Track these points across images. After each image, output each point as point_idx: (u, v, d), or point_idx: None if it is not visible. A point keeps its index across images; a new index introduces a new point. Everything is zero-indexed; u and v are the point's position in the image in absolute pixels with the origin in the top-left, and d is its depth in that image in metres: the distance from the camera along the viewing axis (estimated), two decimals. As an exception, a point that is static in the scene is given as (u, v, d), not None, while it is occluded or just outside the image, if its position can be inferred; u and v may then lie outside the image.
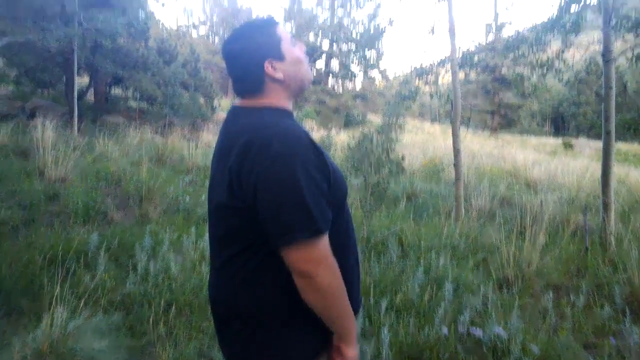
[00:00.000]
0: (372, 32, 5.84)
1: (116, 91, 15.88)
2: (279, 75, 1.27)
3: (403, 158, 5.00)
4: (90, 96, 14.57)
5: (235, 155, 1.15)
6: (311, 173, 1.12)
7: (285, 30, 1.34)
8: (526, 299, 3.86)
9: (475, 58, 6.88)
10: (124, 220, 5.46)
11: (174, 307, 3.21)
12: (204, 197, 6.44)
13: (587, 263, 4.65)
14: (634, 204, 7.26)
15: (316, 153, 1.17)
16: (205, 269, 3.73)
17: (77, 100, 10.42)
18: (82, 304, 2.94)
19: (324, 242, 1.13)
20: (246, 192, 1.14)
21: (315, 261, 1.11)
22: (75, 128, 9.87)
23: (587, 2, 5.77)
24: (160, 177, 6.56)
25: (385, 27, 5.88)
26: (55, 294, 2.81)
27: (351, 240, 1.37)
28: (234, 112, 1.32)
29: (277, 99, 1.30)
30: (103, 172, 6.70)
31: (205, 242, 4.36)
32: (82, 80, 14.76)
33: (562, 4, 5.82)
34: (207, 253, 4.20)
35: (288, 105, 1.34)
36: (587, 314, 3.59)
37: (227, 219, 1.23)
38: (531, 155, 14.11)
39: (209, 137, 12.68)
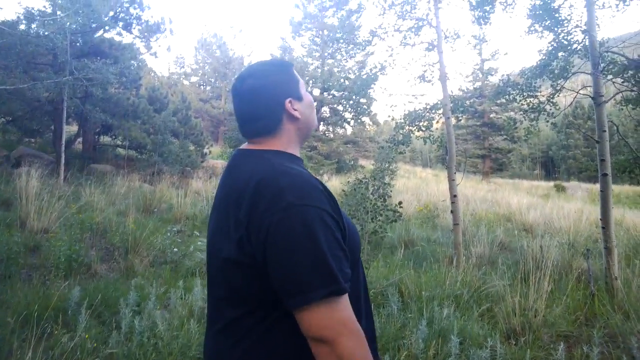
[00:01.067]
0: (362, 79, 5.87)
1: (105, 139, 15.78)
2: (297, 114, 1.22)
3: (400, 204, 4.87)
4: (78, 145, 14.46)
5: (245, 205, 1.02)
6: (329, 225, 1.00)
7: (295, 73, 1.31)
8: (536, 351, 3.63)
9: (467, 103, 6.93)
10: (108, 273, 5.20)
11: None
12: (193, 247, 6.22)
13: (596, 310, 4.45)
14: (636, 247, 7.13)
15: (332, 203, 1.05)
16: (194, 326, 3.46)
17: (65, 148, 10.28)
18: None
19: (346, 302, 0.98)
20: (256, 247, 1.00)
21: (337, 325, 0.94)
22: (62, 177, 9.66)
23: (574, 48, 5.88)
24: (147, 228, 6.33)
25: (377, 74, 5.88)
26: (19, 349, 2.54)
27: (364, 297, 1.23)
28: (239, 155, 1.21)
29: (288, 141, 1.22)
30: (88, 222, 6.45)
31: (194, 297, 4.11)
32: (70, 129, 14.72)
33: (550, 48, 5.92)
34: (196, 308, 3.97)
35: (296, 151, 1.25)
36: (603, 368, 3.36)
37: (235, 276, 1.07)
38: (525, 199, 14.11)
39: (199, 185, 12.52)
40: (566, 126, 34.65)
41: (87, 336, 3.15)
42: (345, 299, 0.97)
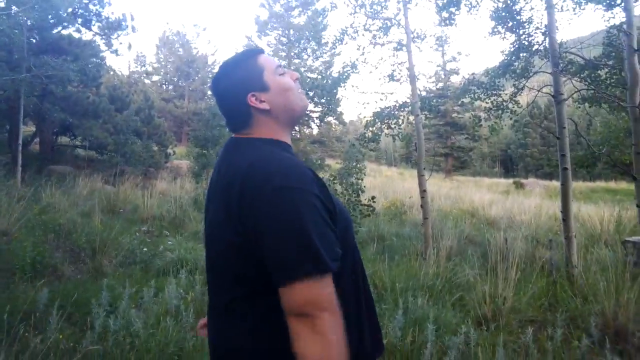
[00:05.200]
0: (333, 78, 5.90)
1: (63, 140, 15.20)
2: (265, 106, 1.20)
3: (373, 199, 4.96)
4: (35, 145, 13.88)
5: (236, 189, 1.05)
6: (316, 206, 1.03)
7: (269, 58, 1.26)
8: (506, 335, 3.79)
9: (434, 102, 7.13)
10: (76, 274, 5.04)
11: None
12: (162, 247, 6.12)
13: (558, 296, 4.68)
14: (591, 238, 7.52)
15: (320, 186, 1.08)
16: (171, 323, 3.42)
17: (21, 149, 9.84)
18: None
19: (330, 281, 1.01)
20: (247, 227, 1.03)
21: (319, 302, 0.97)
22: (19, 178, 9.26)
23: (535, 49, 6.15)
24: (114, 229, 6.17)
25: (348, 72, 5.90)
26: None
27: (362, 279, 1.25)
28: (233, 143, 1.23)
29: (270, 131, 1.22)
30: (51, 224, 6.22)
31: (168, 295, 4.05)
32: (26, 129, 14.09)
33: (512, 49, 6.17)
34: (171, 306, 3.91)
35: (284, 137, 1.25)
36: (566, 348, 3.56)
37: (231, 257, 1.10)
38: (487, 195, 14.59)
39: (164, 185, 12.27)
40: (524, 125, 36.06)
41: (61, 336, 3.06)
42: (329, 278, 1.00)
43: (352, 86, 6.16)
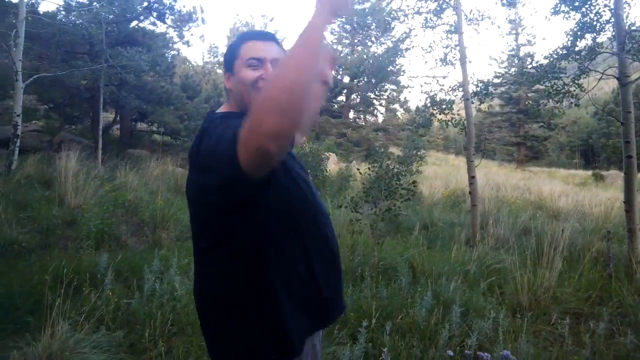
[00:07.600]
0: (379, 61, 5.83)
1: (141, 126, 16.42)
2: (229, 86, 1.36)
3: (414, 183, 4.94)
4: (115, 131, 15.09)
5: (194, 148, 1.21)
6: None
7: (252, 48, 1.31)
8: (540, 325, 3.68)
9: (492, 89, 6.85)
10: (137, 245, 5.53)
11: (174, 326, 3.18)
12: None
13: (611, 291, 4.41)
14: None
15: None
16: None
17: (102, 134, 10.79)
18: (82, 319, 2.96)
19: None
20: (200, 171, 1.17)
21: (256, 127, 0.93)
22: (99, 160, 10.18)
23: (602, 28, 5.74)
24: (175, 205, 6.64)
25: (397, 54, 5.78)
26: (58, 305, 2.83)
27: (317, 218, 1.34)
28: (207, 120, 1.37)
29: (234, 106, 1.35)
30: (120, 200, 6.83)
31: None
32: (108, 116, 15.36)
33: (576, 29, 5.80)
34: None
35: None
36: (608, 343, 3.37)
37: (199, 214, 1.27)
38: (558, 187, 13.76)
39: (230, 169, 12.83)
40: (607, 113, 33.20)
41: (111, 293, 3.44)
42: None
43: (402, 70, 6.05)
